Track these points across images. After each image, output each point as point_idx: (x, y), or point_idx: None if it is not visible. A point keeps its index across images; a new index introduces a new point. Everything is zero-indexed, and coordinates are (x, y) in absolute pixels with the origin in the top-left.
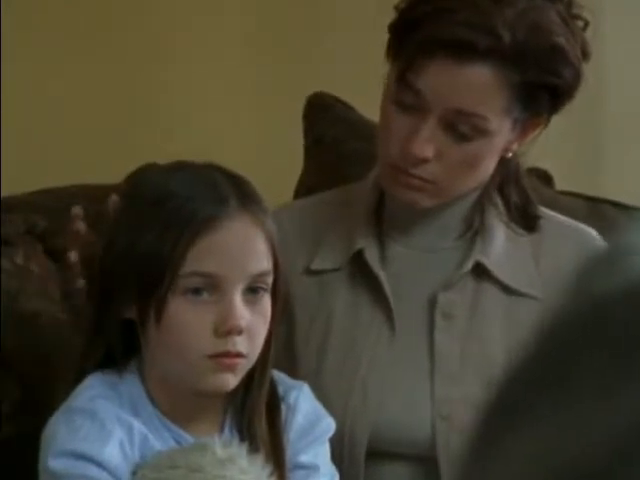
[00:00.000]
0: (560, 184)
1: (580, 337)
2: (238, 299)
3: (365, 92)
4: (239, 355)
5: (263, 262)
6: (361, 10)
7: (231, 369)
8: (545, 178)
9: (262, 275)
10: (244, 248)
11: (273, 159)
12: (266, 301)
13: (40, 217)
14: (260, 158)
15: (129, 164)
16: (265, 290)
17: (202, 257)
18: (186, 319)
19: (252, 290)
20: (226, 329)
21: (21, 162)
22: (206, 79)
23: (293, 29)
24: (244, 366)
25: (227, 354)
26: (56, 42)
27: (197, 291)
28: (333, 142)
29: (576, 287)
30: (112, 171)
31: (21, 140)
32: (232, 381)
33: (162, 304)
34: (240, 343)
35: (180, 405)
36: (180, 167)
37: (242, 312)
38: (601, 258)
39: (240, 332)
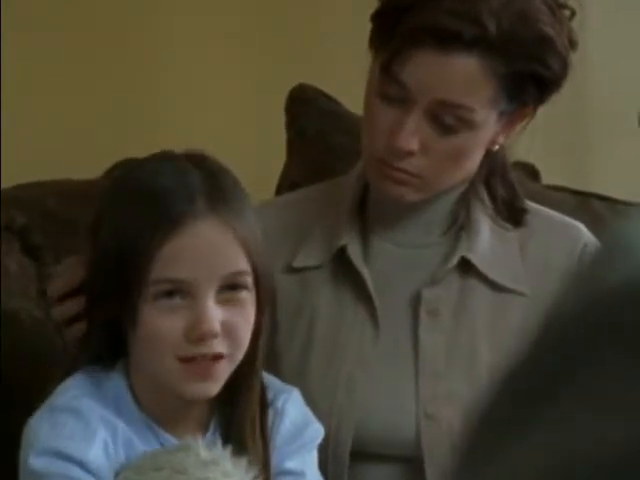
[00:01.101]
0: (546, 179)
1: (589, 336)
2: (210, 303)
3: (348, 84)
4: (217, 357)
5: (235, 263)
6: (344, 1)
7: (209, 375)
8: (531, 172)
9: (236, 275)
10: (211, 251)
11: (256, 153)
12: (246, 298)
13: (18, 213)
14: (242, 152)
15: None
16: (245, 288)
17: (167, 263)
18: (158, 325)
19: (230, 288)
20: (198, 335)
21: (20, 161)
22: (202, 70)
23: (276, 21)
24: (225, 368)
25: (204, 357)
26: (55, 41)
27: (169, 295)
28: (316, 135)
29: (577, 284)
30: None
31: (20, 139)
32: (212, 387)
33: (135, 310)
34: (218, 344)
35: (164, 407)
36: (155, 161)
37: (214, 316)
38: (602, 253)
39: (214, 336)
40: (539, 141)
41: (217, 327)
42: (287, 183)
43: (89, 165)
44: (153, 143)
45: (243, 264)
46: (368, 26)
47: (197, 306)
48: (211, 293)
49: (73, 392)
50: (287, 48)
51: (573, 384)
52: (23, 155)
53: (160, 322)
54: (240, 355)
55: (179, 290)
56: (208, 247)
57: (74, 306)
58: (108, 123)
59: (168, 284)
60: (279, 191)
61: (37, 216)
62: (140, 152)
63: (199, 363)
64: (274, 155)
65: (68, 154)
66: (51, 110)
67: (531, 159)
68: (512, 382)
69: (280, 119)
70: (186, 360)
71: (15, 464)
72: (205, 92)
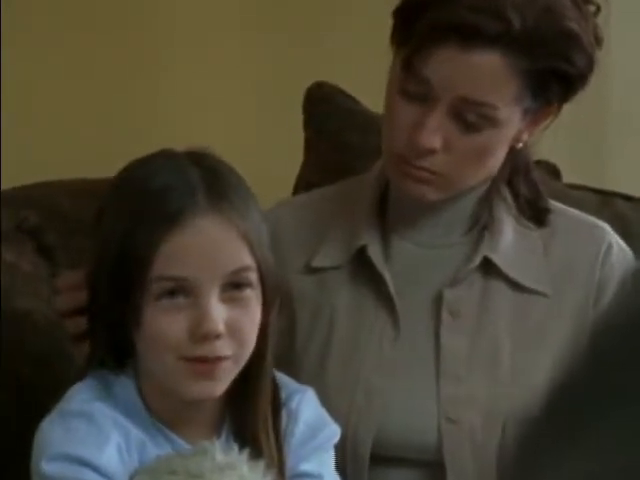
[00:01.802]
0: (565, 178)
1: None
2: (213, 302)
3: (367, 82)
4: (220, 359)
5: (238, 259)
6: None
7: (210, 375)
8: (553, 171)
9: (240, 271)
10: (212, 248)
11: (272, 152)
12: (251, 297)
13: (31, 212)
14: (259, 151)
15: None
16: (249, 285)
17: (168, 260)
18: (162, 325)
19: (234, 286)
20: (201, 334)
21: (20, 161)
22: (204, 69)
23: (292, 16)
24: (229, 369)
25: (205, 359)
26: (55, 41)
27: (172, 294)
28: (334, 134)
29: (625, 301)
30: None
31: (20, 139)
32: (216, 388)
33: (137, 309)
34: (221, 345)
35: (174, 409)
36: (157, 159)
37: (218, 314)
38: None
39: (217, 336)
40: (560, 140)
41: (221, 327)
42: (304, 184)
43: (89, 165)
44: (157, 143)
45: (247, 260)
46: (385, 22)
47: (200, 305)
48: (214, 291)
49: (84, 396)
50: (305, 43)
51: (619, 412)
52: (23, 155)
53: (163, 322)
54: (246, 355)
55: (182, 289)
56: (210, 244)
57: (77, 299)
58: (108, 123)
59: (170, 282)
60: (296, 191)
61: (50, 216)
62: (142, 152)
63: (202, 363)
64: (290, 155)
65: (68, 154)
66: (51, 110)
67: (552, 158)
68: (562, 399)
69: (297, 118)
70: (189, 360)
71: (29, 468)
72: (217, 91)
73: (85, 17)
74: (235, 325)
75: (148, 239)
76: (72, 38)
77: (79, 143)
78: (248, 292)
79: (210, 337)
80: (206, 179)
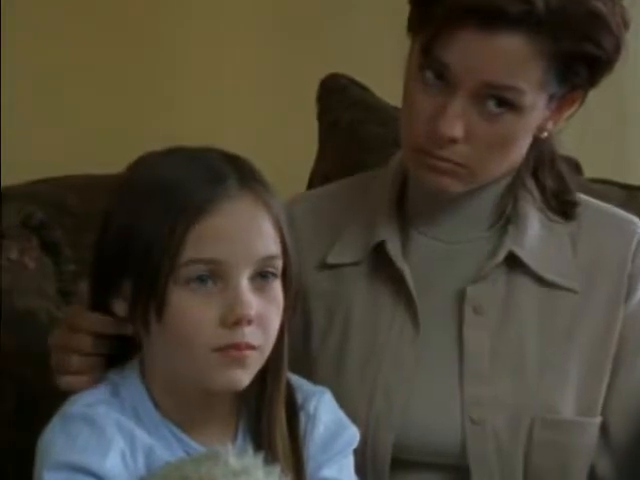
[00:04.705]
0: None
1: None
2: (245, 286)
3: (382, 73)
4: (249, 347)
5: (270, 245)
6: None
7: (240, 363)
8: (574, 167)
9: (270, 259)
10: (247, 230)
11: (286, 145)
12: (277, 287)
13: (36, 208)
14: (272, 144)
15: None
16: (275, 275)
17: (201, 243)
18: (190, 311)
19: (261, 276)
20: (234, 319)
21: (20, 160)
22: (216, 62)
23: (306, 7)
24: (256, 359)
25: (236, 346)
26: (55, 41)
27: (201, 280)
28: (349, 126)
29: None
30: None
31: (20, 139)
32: (244, 377)
33: (163, 297)
34: (250, 334)
35: (187, 409)
36: (176, 150)
37: (250, 300)
38: None
39: (249, 322)
40: (580, 135)
41: (253, 311)
42: (318, 177)
43: (89, 165)
44: (166, 133)
45: (276, 247)
46: (401, 10)
47: (232, 288)
48: (245, 276)
49: (87, 399)
50: (319, 34)
51: None
52: (23, 155)
53: (193, 307)
54: (269, 348)
55: (212, 273)
56: (243, 226)
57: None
58: (108, 124)
59: (200, 265)
60: (311, 184)
61: (55, 212)
62: (154, 142)
63: (234, 349)
64: (304, 148)
65: (68, 155)
66: (51, 110)
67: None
68: None
69: (310, 111)
70: (220, 349)
71: (29, 467)
72: (229, 84)
73: (90, 11)
74: (263, 315)
75: (178, 228)
76: (73, 38)
77: (79, 144)
78: (275, 282)
79: (242, 322)
80: (232, 165)
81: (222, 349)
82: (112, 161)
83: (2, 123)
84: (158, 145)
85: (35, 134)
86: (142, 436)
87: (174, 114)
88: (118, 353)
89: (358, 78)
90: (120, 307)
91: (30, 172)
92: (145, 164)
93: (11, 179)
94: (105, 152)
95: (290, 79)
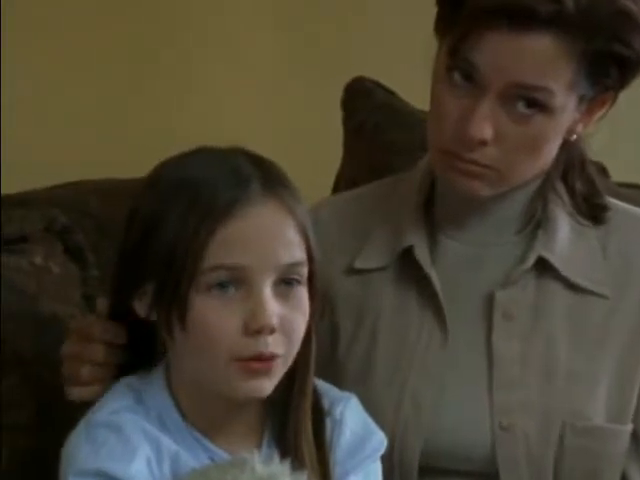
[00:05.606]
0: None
1: None
2: (268, 293)
3: (408, 77)
4: (273, 356)
5: (294, 251)
6: None
7: (263, 371)
8: (601, 171)
9: (294, 266)
10: (270, 235)
11: (310, 149)
12: (302, 294)
13: (59, 212)
14: (297, 148)
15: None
16: (300, 282)
17: (224, 248)
18: (212, 318)
19: (285, 282)
20: (256, 327)
21: (20, 163)
22: (239, 65)
23: (330, 9)
24: (280, 368)
25: (260, 356)
26: (55, 42)
27: (223, 286)
28: (374, 130)
29: None
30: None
31: (20, 139)
32: (267, 385)
33: (185, 303)
34: (274, 343)
35: (212, 416)
36: (200, 151)
37: (273, 307)
38: None
39: (272, 331)
40: (606, 139)
41: (275, 320)
42: (343, 182)
43: (89, 166)
44: (187, 137)
45: (301, 254)
46: (427, 11)
47: (254, 295)
48: (268, 282)
49: (112, 406)
50: (344, 37)
51: None
52: (23, 155)
53: (215, 314)
54: (293, 356)
55: (235, 279)
56: (266, 231)
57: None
58: (108, 124)
59: (222, 271)
60: (336, 189)
61: (78, 216)
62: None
63: (257, 361)
64: (327, 152)
65: (68, 155)
66: (51, 110)
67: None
68: None
69: (334, 115)
70: (243, 360)
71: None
72: (251, 87)
73: (91, 11)
74: (287, 323)
75: (200, 234)
76: (73, 38)
77: (78, 144)
78: (299, 289)
79: (265, 331)
80: (258, 168)
81: (245, 359)
82: (113, 161)
83: (2, 123)
84: (162, 146)
85: (35, 134)
86: (168, 443)
87: (180, 116)
88: (129, 362)
89: (383, 81)
90: (141, 308)
91: (30, 172)
92: (170, 164)
93: (11, 179)
94: (105, 152)
95: (315, 81)
